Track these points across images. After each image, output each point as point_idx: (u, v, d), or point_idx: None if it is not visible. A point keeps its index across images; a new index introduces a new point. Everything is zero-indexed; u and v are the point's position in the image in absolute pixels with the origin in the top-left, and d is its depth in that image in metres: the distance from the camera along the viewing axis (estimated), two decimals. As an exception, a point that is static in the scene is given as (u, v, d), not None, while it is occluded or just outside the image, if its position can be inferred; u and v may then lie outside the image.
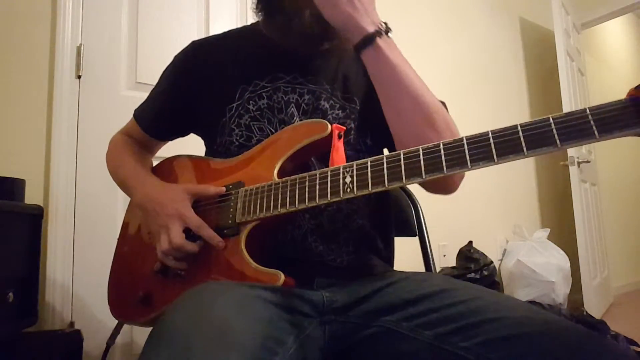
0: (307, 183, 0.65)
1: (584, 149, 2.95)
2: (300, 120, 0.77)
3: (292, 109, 0.78)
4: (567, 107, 2.70)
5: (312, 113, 0.78)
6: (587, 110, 0.47)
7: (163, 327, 0.51)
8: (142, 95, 0.95)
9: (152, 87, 0.91)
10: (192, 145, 0.94)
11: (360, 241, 0.77)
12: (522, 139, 0.50)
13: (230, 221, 0.70)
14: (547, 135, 0.49)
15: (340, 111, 0.78)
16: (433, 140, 0.59)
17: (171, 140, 0.97)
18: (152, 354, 0.47)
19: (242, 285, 0.62)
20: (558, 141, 0.48)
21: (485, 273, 2.20)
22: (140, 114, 0.92)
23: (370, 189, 0.59)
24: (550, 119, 0.49)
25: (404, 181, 0.57)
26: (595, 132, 0.46)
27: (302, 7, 0.73)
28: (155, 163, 0.92)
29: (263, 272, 0.64)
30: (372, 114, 0.80)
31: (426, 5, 2.65)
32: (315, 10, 0.71)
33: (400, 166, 0.58)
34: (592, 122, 0.47)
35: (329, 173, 0.64)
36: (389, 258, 0.84)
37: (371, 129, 0.80)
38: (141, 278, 0.78)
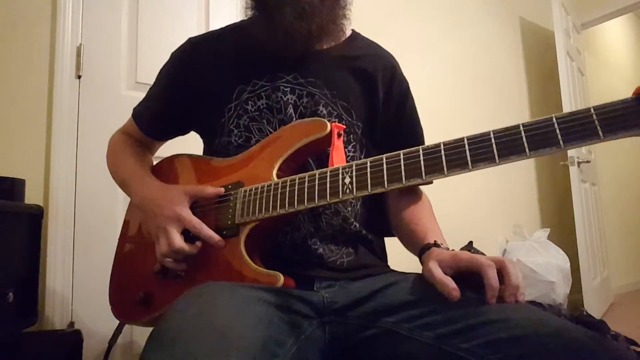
0: (306, 184, 0.65)
1: (584, 149, 2.95)
2: None
3: (291, 110, 0.77)
4: (567, 107, 2.70)
5: (309, 117, 0.77)
6: (592, 110, 0.46)
7: (163, 329, 0.51)
8: (142, 96, 0.94)
9: (152, 87, 0.91)
10: (191, 143, 0.94)
11: (359, 243, 0.77)
12: (524, 139, 0.50)
13: (229, 222, 0.70)
14: (550, 136, 0.48)
15: (337, 120, 0.78)
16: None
17: (171, 139, 0.96)
18: (153, 357, 0.47)
19: (242, 286, 0.62)
20: (561, 142, 0.47)
21: (486, 273, 2.19)
22: (138, 114, 0.92)
23: (369, 189, 0.59)
24: (554, 119, 0.48)
25: (404, 182, 0.57)
26: (600, 133, 0.45)
27: (283, 3, 0.71)
28: (155, 162, 0.92)
29: (262, 274, 0.64)
30: (371, 132, 0.81)
31: (426, 6, 2.64)
32: (297, 6, 0.70)
33: (400, 167, 0.58)
34: (596, 122, 0.46)
35: (328, 174, 0.64)
36: (386, 259, 0.84)
37: (367, 146, 0.81)
38: (142, 278, 0.78)
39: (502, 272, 0.56)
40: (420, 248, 0.69)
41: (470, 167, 0.52)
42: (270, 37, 0.75)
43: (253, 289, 0.61)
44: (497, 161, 0.51)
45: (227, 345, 0.47)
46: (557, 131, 0.48)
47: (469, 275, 0.59)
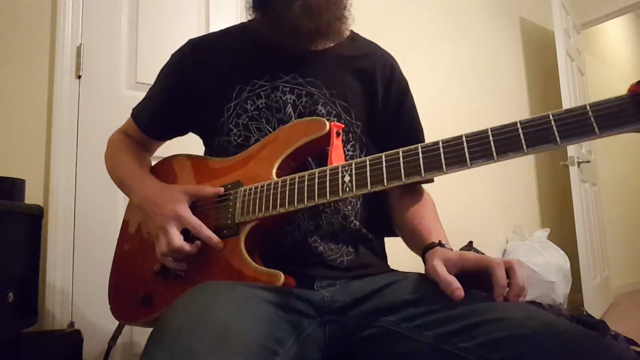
0: (306, 182, 0.65)
1: (584, 149, 2.95)
2: None
3: (290, 109, 0.77)
4: (567, 107, 2.69)
5: (308, 116, 0.77)
6: (587, 107, 0.47)
7: (164, 327, 0.51)
8: (142, 95, 0.94)
9: (152, 86, 0.91)
10: (191, 144, 0.94)
11: (359, 242, 0.77)
12: (521, 136, 0.50)
13: (229, 221, 0.70)
14: (547, 133, 0.49)
15: (335, 119, 0.78)
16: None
17: (170, 139, 0.96)
18: (154, 355, 0.47)
19: (242, 284, 0.62)
20: (558, 138, 0.48)
21: (486, 273, 2.19)
22: (138, 114, 0.92)
23: (369, 188, 0.59)
24: (550, 116, 0.49)
25: (404, 180, 0.57)
26: (596, 129, 0.46)
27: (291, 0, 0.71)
28: (154, 162, 0.92)
29: (263, 272, 0.64)
30: (370, 131, 0.81)
31: (426, 6, 2.64)
32: (305, 3, 0.70)
33: (400, 164, 0.58)
34: (592, 118, 0.47)
35: (328, 172, 0.64)
36: (385, 259, 0.84)
37: (366, 145, 0.82)
38: (141, 279, 0.78)
39: (509, 273, 0.57)
40: (424, 246, 0.69)
41: (469, 164, 0.52)
42: (276, 34, 0.75)
43: (253, 288, 0.61)
44: (495, 158, 0.51)
45: (228, 344, 0.47)
46: (554, 128, 0.48)
47: (473, 276, 0.59)
